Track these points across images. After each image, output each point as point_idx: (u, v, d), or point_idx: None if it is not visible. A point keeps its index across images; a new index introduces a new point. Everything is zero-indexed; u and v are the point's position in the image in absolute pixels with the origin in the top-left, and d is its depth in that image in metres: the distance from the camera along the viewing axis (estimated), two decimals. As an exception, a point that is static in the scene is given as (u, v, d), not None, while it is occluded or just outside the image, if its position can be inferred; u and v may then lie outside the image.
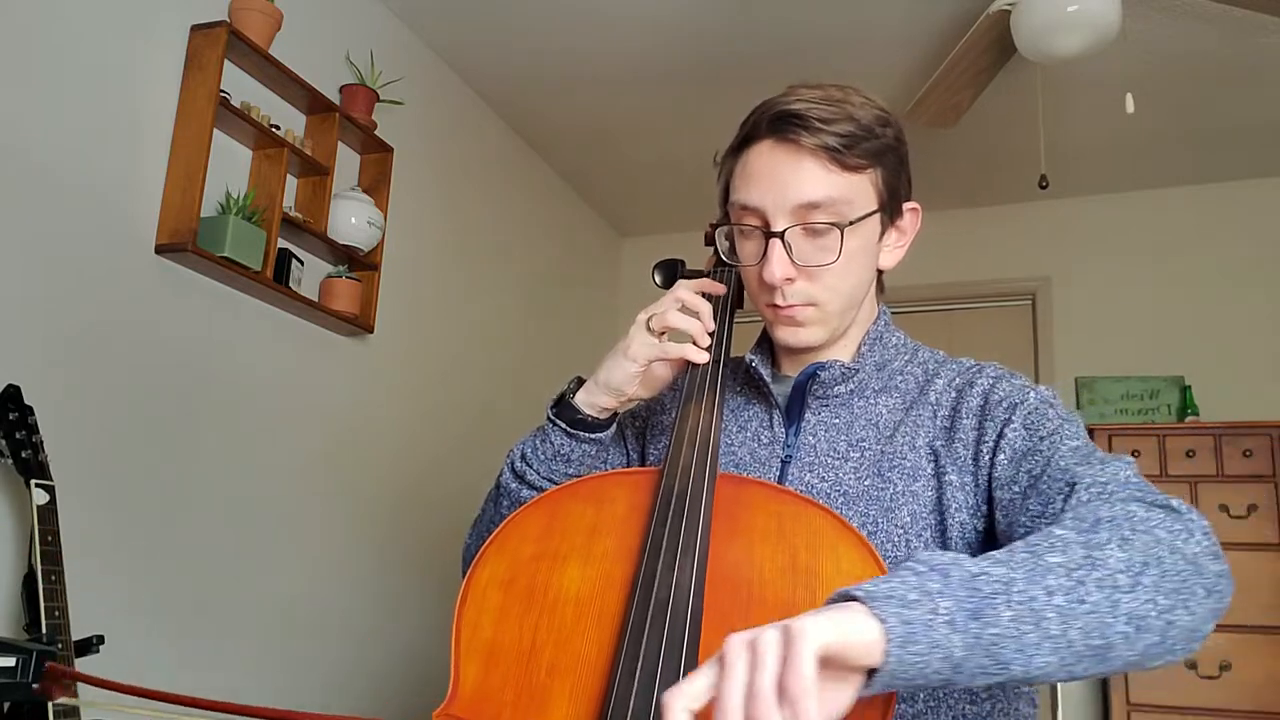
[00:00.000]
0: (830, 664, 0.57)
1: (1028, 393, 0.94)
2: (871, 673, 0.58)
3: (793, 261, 0.95)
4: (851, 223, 0.95)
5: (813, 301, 0.98)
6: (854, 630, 0.57)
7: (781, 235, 0.94)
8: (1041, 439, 0.89)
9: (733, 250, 1.03)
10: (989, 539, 0.92)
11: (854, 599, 0.60)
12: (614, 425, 1.07)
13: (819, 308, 0.98)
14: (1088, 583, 0.64)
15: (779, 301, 0.98)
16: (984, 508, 0.92)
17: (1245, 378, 3.58)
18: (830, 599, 0.62)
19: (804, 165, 0.95)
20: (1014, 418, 0.92)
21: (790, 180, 0.95)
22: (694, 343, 1.01)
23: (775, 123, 0.95)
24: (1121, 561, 0.67)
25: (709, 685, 0.57)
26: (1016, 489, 0.87)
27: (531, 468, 1.05)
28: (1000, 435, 0.91)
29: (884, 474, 0.95)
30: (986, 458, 0.92)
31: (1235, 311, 3.68)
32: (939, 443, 0.96)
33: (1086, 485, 0.79)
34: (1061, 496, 0.81)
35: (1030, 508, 0.84)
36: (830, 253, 0.95)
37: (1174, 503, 0.75)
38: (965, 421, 0.95)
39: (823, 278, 0.96)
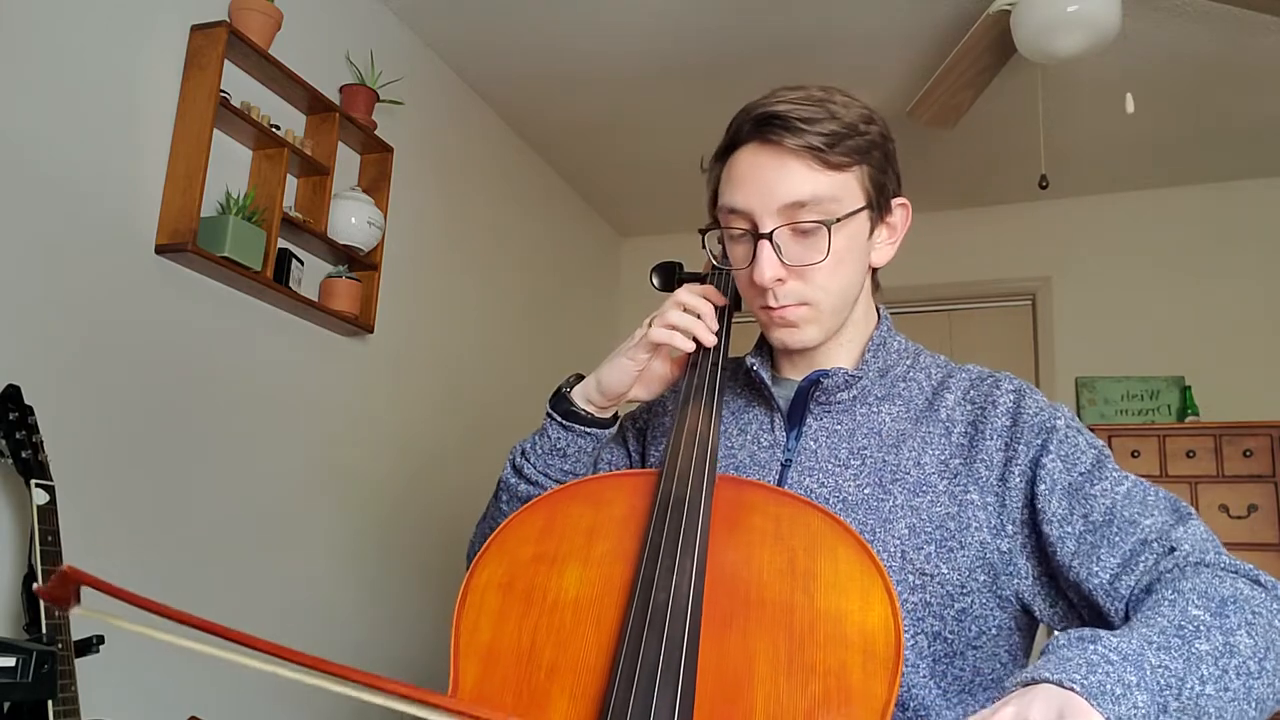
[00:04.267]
0: None
1: (1055, 417, 0.95)
2: None
3: (782, 262, 0.95)
4: (839, 220, 0.95)
5: (805, 301, 0.97)
6: None
7: (770, 236, 0.94)
8: (1084, 476, 0.90)
9: (724, 255, 1.03)
10: (1009, 560, 0.92)
11: (1059, 686, 0.62)
12: (615, 425, 1.08)
13: (812, 307, 0.98)
14: (1229, 671, 0.69)
15: (771, 303, 0.98)
16: (1008, 529, 0.92)
17: (1245, 378, 3.58)
18: (1028, 679, 0.64)
19: (788, 166, 0.95)
20: (1049, 446, 0.92)
21: (775, 181, 0.95)
22: (696, 339, 1.01)
23: (758, 125, 0.96)
24: (1250, 648, 0.71)
25: None
26: (1070, 529, 0.89)
27: (529, 462, 1.06)
28: (1036, 464, 0.92)
29: (885, 485, 0.95)
30: (1019, 482, 0.92)
31: (1235, 311, 3.68)
32: (955, 460, 0.95)
33: (1185, 553, 0.83)
34: (1154, 556, 0.84)
35: (1103, 558, 0.86)
36: (819, 252, 0.95)
37: (1263, 578, 0.81)
38: (990, 442, 0.95)
39: (813, 277, 0.96)
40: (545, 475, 1.05)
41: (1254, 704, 0.69)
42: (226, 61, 2.18)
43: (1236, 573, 0.80)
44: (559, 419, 1.05)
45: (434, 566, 2.94)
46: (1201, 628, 0.70)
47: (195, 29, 2.17)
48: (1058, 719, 0.59)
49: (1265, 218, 3.72)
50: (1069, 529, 0.89)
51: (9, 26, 1.81)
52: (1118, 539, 0.86)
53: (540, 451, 1.06)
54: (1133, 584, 0.84)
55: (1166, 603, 0.75)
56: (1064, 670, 0.62)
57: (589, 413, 1.04)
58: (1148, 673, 0.64)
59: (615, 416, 1.08)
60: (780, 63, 3.01)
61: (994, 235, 4.07)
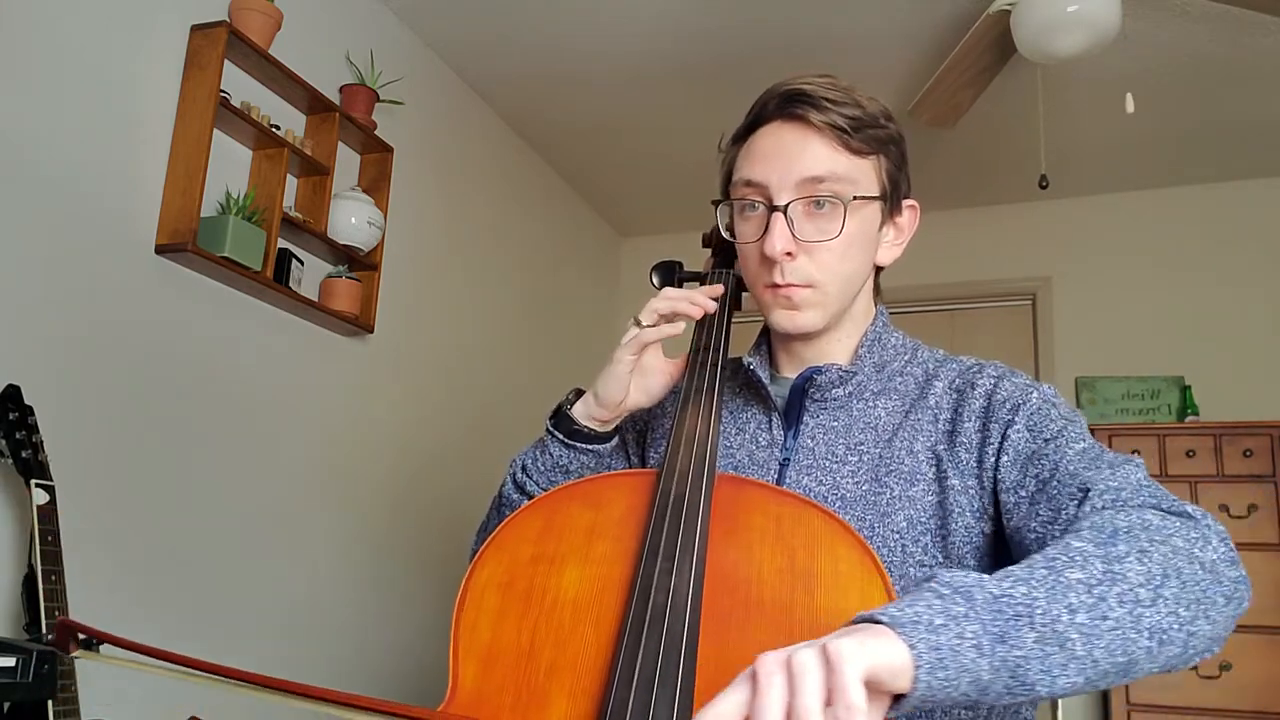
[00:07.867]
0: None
1: (1030, 392, 0.94)
2: (898, 697, 0.58)
3: (794, 235, 0.95)
4: (854, 199, 0.96)
5: (810, 281, 0.97)
6: (886, 655, 0.57)
7: (785, 209, 0.95)
8: (1046, 441, 0.89)
9: (730, 231, 1.03)
10: (996, 543, 0.92)
11: (878, 622, 0.59)
12: (615, 438, 1.07)
13: (816, 289, 0.98)
14: (1109, 599, 0.64)
15: (777, 279, 0.97)
16: (990, 510, 0.92)
17: (1245, 378, 3.58)
18: (852, 622, 0.61)
19: (811, 141, 0.96)
20: (1017, 419, 0.91)
21: (797, 155, 0.96)
22: (686, 315, 1.02)
23: (784, 103, 0.97)
24: (1141, 575, 0.66)
25: (740, 704, 0.55)
26: (1023, 493, 0.87)
27: (531, 479, 1.06)
28: (1004, 437, 0.91)
29: (881, 479, 0.95)
30: (991, 460, 0.92)
31: (1235, 311, 3.68)
32: (941, 446, 0.95)
33: (1100, 491, 0.80)
34: (1074, 503, 0.81)
35: (1040, 513, 0.84)
36: (831, 230, 0.95)
37: (1189, 509, 0.76)
38: (968, 424, 0.95)
39: (822, 257, 0.97)
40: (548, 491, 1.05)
41: (1148, 634, 0.65)
42: (226, 61, 2.18)
43: (1155, 507, 0.76)
44: (561, 437, 1.04)
45: (434, 566, 2.94)
46: (1079, 557, 0.67)
47: (195, 29, 2.17)
48: (867, 653, 0.55)
49: (1265, 218, 3.72)
50: (1022, 494, 0.87)
51: (9, 26, 1.81)
52: (1055, 493, 0.84)
53: (543, 468, 1.05)
54: (1057, 535, 0.81)
55: (1057, 543, 0.71)
56: (888, 608, 0.60)
57: (590, 429, 1.04)
58: (980, 603, 0.61)
59: (617, 430, 1.07)
60: (780, 63, 3.00)
61: (994, 235, 4.07)
